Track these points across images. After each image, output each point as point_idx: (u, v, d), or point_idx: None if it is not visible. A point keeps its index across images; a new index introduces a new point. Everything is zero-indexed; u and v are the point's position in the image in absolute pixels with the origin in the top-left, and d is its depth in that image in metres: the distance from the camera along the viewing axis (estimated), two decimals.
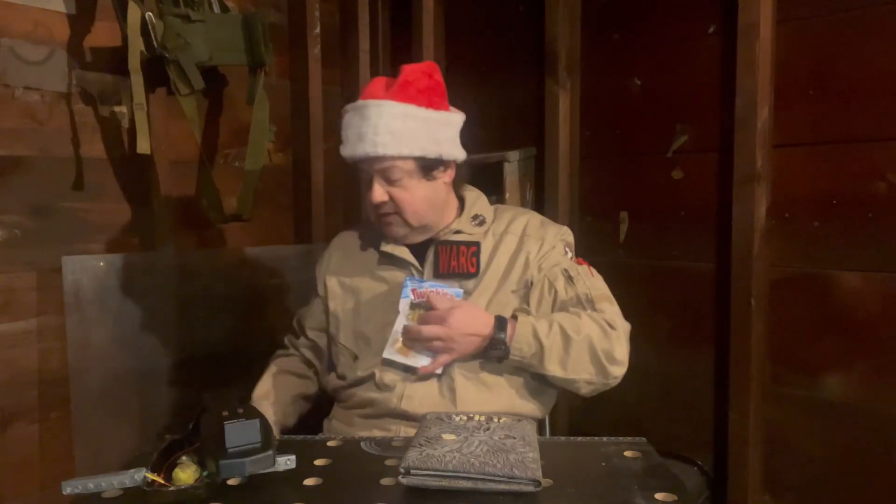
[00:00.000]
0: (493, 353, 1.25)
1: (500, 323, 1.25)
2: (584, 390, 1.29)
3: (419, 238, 1.38)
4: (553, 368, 1.25)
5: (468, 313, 1.26)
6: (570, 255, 1.38)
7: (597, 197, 1.93)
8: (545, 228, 1.40)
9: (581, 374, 1.26)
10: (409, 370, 1.29)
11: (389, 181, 1.31)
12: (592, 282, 1.36)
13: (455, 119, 1.36)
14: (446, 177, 1.37)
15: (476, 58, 2.16)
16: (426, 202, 1.35)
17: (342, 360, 1.39)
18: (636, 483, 0.96)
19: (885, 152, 1.44)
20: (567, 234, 1.42)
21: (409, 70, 1.32)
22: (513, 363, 1.27)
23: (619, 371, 1.28)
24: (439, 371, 1.28)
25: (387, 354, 1.30)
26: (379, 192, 1.30)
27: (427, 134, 1.31)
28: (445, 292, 1.32)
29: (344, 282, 1.43)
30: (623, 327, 1.30)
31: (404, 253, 1.38)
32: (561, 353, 1.25)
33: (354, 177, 2.27)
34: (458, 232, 1.38)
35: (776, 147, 1.58)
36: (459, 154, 1.36)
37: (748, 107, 1.57)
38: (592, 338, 1.25)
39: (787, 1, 1.55)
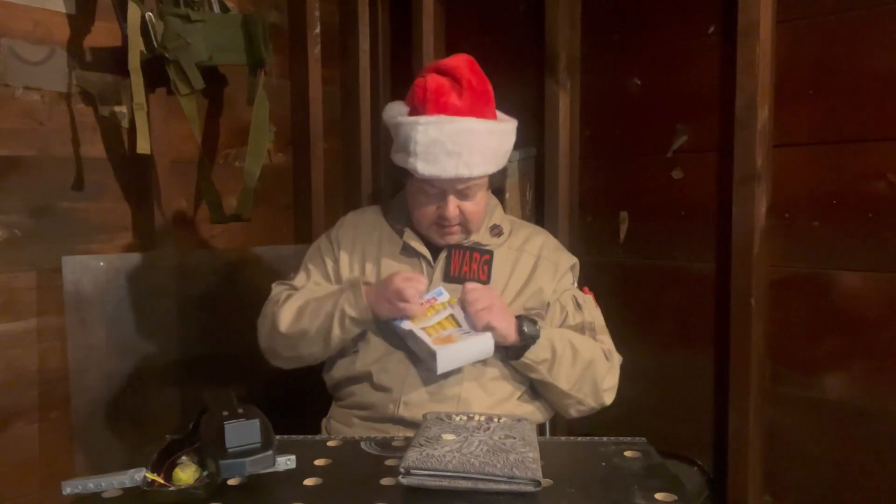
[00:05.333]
0: (521, 341, 1.25)
1: (525, 316, 1.29)
2: (574, 409, 1.34)
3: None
4: (560, 379, 1.28)
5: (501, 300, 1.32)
6: (575, 284, 1.45)
7: (597, 197, 1.93)
8: (559, 253, 1.46)
9: (579, 392, 1.31)
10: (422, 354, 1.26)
11: (464, 196, 1.32)
12: (597, 312, 1.43)
13: (515, 129, 1.37)
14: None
15: (476, 58, 2.15)
16: (485, 210, 1.40)
17: (342, 351, 1.38)
18: (636, 483, 0.96)
19: (885, 152, 1.44)
20: (576, 264, 1.47)
21: (463, 71, 1.28)
22: (520, 365, 1.29)
23: (608, 399, 1.35)
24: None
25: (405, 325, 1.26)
26: (454, 208, 1.31)
27: (502, 148, 1.34)
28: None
29: (354, 266, 1.43)
30: (618, 360, 1.38)
31: (421, 247, 1.39)
32: (569, 365, 1.29)
33: (354, 177, 2.28)
34: (476, 243, 1.40)
35: (776, 147, 1.58)
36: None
37: (748, 107, 1.57)
38: (595, 360, 1.31)
39: (787, 1, 1.55)
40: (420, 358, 1.28)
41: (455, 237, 1.36)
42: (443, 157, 1.24)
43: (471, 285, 1.29)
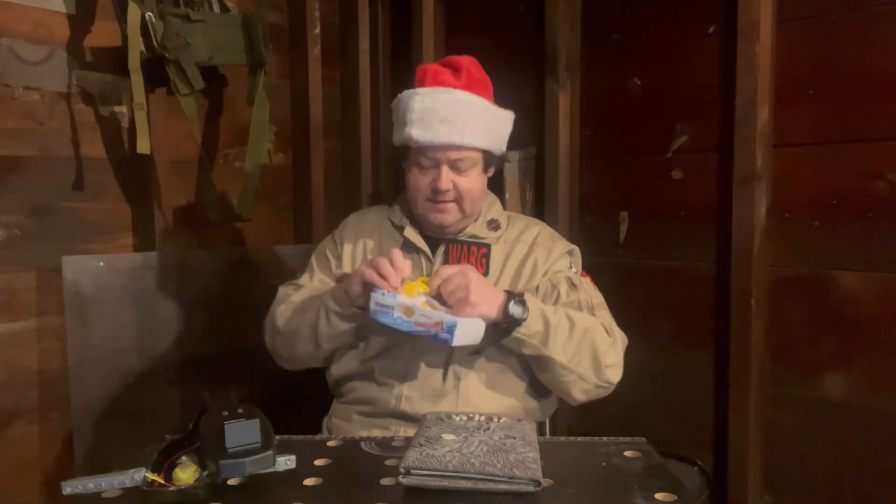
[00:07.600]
0: (507, 320, 1.19)
1: (513, 294, 1.22)
2: (578, 390, 1.27)
3: (458, 229, 1.40)
4: (556, 351, 1.23)
5: (479, 275, 1.23)
6: (574, 269, 1.42)
7: (597, 197, 1.93)
8: (555, 241, 1.44)
9: (578, 366, 1.25)
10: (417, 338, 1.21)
11: (457, 170, 1.33)
12: (595, 292, 1.40)
13: (511, 118, 1.40)
14: (490, 173, 1.41)
15: (476, 58, 2.15)
16: (481, 194, 1.39)
17: (344, 347, 1.38)
18: (636, 483, 0.96)
19: (885, 152, 1.44)
20: (575, 250, 1.45)
21: (464, 62, 1.34)
22: (513, 341, 1.23)
23: (612, 375, 1.28)
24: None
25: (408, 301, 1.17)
26: (447, 180, 1.32)
27: (498, 130, 1.36)
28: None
29: (356, 263, 1.43)
30: (620, 337, 1.33)
31: (420, 242, 1.39)
32: (565, 337, 1.24)
33: (354, 177, 2.28)
34: (473, 236, 1.40)
35: (776, 147, 1.58)
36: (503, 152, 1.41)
37: (748, 107, 1.57)
38: (593, 332, 1.26)
39: (787, 1, 1.55)
40: (417, 338, 1.21)
41: (449, 216, 1.35)
42: (436, 124, 1.28)
43: (444, 270, 1.22)
